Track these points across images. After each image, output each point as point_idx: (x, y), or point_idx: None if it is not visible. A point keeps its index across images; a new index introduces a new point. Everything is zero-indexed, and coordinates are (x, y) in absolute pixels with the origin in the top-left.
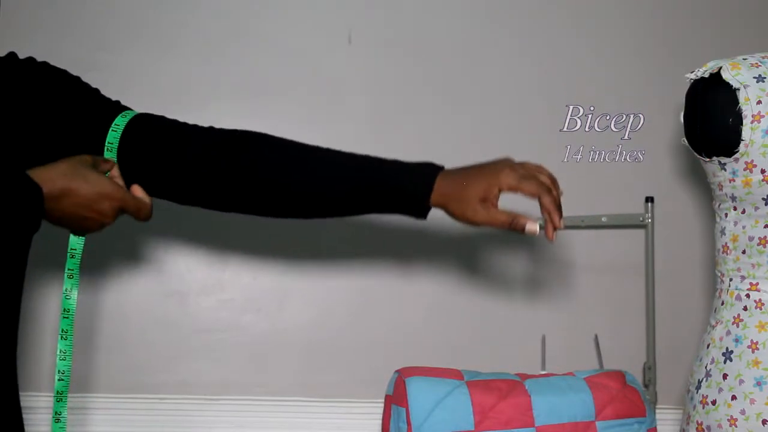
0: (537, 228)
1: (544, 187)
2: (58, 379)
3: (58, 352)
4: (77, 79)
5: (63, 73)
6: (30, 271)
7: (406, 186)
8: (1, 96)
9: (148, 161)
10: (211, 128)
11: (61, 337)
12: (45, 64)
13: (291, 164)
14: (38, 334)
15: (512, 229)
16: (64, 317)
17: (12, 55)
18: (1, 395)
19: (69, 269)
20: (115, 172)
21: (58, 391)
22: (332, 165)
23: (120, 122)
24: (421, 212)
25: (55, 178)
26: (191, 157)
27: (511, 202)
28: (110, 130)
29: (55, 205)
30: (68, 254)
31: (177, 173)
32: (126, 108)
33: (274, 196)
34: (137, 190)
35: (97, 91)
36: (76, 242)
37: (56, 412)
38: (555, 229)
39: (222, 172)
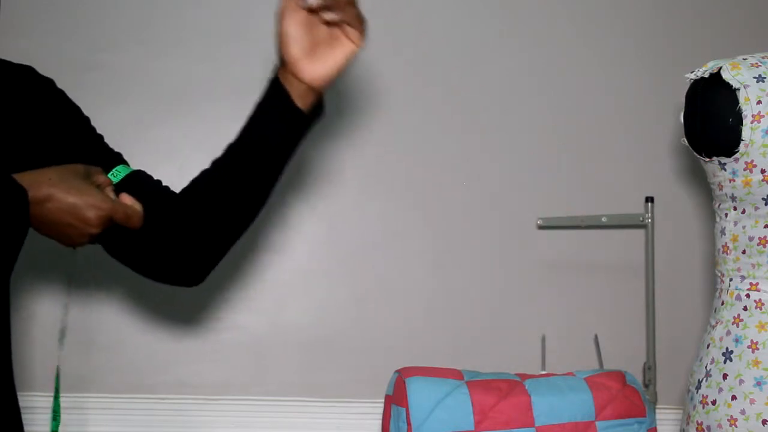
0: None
1: None
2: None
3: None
4: (87, 120)
5: (77, 111)
6: (29, 272)
7: (264, 102)
8: (9, 103)
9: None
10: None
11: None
12: (62, 93)
13: (211, 200)
14: (37, 334)
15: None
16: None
17: (31, 70)
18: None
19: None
20: (109, 189)
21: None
22: (226, 162)
23: (121, 170)
24: (294, 114)
25: (42, 183)
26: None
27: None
28: (109, 174)
29: (39, 210)
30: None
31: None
32: (125, 162)
33: (220, 226)
34: (126, 198)
35: (101, 137)
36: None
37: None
38: None
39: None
